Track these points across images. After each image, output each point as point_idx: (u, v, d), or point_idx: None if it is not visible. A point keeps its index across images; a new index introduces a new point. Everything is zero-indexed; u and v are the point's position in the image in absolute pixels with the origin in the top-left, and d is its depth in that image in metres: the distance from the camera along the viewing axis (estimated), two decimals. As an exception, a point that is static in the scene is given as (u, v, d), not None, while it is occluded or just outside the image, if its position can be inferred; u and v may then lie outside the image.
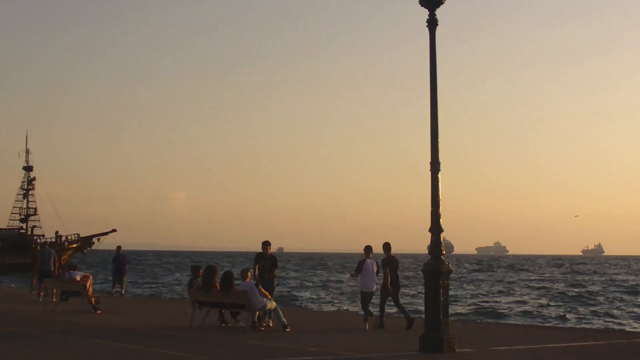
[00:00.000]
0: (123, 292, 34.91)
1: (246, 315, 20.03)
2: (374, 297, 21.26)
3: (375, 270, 20.93)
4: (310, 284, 65.62)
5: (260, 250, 21.45)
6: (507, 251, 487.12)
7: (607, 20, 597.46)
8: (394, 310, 23.21)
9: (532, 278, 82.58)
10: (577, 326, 28.73)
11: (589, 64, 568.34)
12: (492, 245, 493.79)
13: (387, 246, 21.06)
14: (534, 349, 16.82)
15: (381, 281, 20.98)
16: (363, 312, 21.34)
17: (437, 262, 15.59)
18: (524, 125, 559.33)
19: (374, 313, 21.26)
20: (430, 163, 15.96)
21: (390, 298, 21.09)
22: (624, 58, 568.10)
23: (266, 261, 21.28)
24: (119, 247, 36.38)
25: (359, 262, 21.03)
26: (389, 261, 20.83)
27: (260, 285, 20.00)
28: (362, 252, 21.13)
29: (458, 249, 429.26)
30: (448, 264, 15.76)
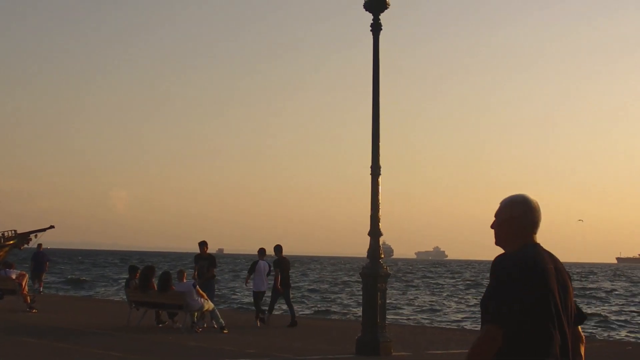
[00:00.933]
0: (41, 290, 34.43)
1: (183, 316, 19.92)
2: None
3: (267, 271, 21.97)
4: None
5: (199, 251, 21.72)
6: (446, 256, 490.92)
7: (553, 22, 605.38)
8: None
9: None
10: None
11: (531, 66, 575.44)
12: (432, 250, 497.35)
13: (278, 248, 22.09)
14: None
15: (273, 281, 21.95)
16: (255, 310, 22.37)
17: (375, 265, 15.64)
18: (465, 129, 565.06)
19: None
20: (371, 167, 16.01)
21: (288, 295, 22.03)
22: (557, 60, 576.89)
23: (205, 261, 21.34)
24: (39, 245, 36.35)
25: (251, 264, 22.08)
26: (280, 262, 21.91)
27: (198, 286, 19.92)
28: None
29: (398, 253, 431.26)
30: (386, 268, 15.83)
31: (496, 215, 4.61)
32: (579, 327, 4.57)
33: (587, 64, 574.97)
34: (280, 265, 21.86)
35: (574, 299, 4.51)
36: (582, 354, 4.57)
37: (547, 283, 4.23)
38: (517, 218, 4.51)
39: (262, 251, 22.27)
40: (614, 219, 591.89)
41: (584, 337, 4.63)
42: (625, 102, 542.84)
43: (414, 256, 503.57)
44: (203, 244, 21.72)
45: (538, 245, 4.47)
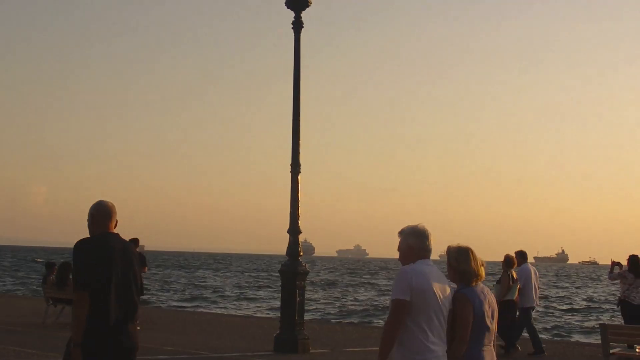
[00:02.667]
0: None
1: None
2: None
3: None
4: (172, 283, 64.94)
5: None
6: (367, 254, 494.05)
7: (475, 18, 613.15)
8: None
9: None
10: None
11: (451, 66, 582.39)
12: (352, 248, 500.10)
13: (135, 241, 21.82)
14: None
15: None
16: None
17: (294, 263, 15.71)
18: (386, 127, 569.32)
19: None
20: (291, 164, 16.08)
21: None
22: (479, 58, 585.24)
23: None
24: None
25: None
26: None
27: None
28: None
29: (319, 251, 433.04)
30: (305, 265, 15.92)
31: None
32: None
33: (505, 62, 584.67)
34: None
35: None
36: None
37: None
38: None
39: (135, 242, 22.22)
40: (532, 220, 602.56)
41: None
42: (529, 103, 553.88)
43: (335, 254, 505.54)
44: (133, 242, 21.13)
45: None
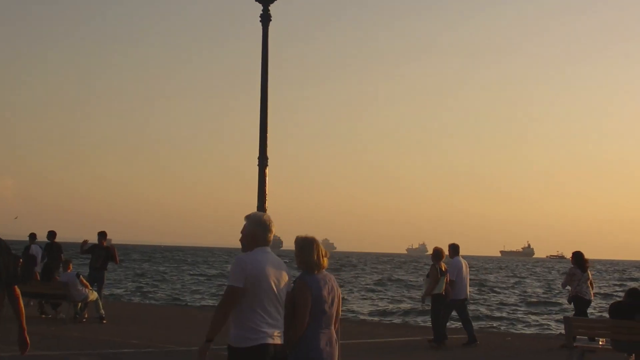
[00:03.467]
0: None
1: (67, 307, 19.65)
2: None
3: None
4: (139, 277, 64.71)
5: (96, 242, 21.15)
6: (335, 248, 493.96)
7: (446, 13, 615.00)
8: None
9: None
10: (407, 322, 29.32)
11: (423, 58, 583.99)
12: (321, 241, 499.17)
13: (50, 234, 22.19)
14: (353, 344, 17.18)
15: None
16: None
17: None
18: (354, 122, 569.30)
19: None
20: (259, 158, 16.15)
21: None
22: (450, 51, 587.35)
23: (102, 251, 20.84)
24: None
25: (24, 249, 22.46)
26: (51, 247, 21.95)
27: (81, 276, 19.66)
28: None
29: (287, 245, 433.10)
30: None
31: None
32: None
33: (465, 58, 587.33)
34: (50, 251, 21.82)
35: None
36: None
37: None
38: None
39: (32, 236, 22.63)
40: (498, 215, 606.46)
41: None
42: (504, 103, 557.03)
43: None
44: (102, 235, 20.89)
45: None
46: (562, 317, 18.71)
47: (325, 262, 6.96)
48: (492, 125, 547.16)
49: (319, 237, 7.43)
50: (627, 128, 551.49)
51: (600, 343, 13.06)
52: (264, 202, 19.56)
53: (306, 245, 7.00)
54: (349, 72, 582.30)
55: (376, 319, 30.99)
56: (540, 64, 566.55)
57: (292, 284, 6.74)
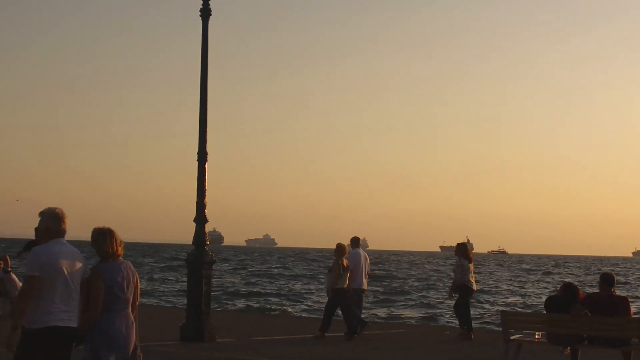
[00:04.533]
0: None
1: (2, 303, 19.37)
2: None
3: None
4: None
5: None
6: (276, 244, 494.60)
7: (389, 10, 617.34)
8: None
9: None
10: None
11: (363, 55, 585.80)
12: (262, 237, 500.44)
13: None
14: (294, 339, 17.24)
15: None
16: None
17: (200, 252, 15.68)
18: (294, 118, 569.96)
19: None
20: (198, 153, 16.03)
21: None
22: (389, 48, 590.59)
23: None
24: None
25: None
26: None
27: (12, 273, 19.50)
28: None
29: (228, 240, 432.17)
30: (212, 255, 15.90)
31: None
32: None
33: (402, 56, 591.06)
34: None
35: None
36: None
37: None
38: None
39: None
40: (438, 211, 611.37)
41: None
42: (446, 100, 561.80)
43: (244, 243, 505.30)
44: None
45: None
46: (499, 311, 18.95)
47: (120, 250, 7.62)
48: (425, 122, 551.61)
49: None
50: (562, 124, 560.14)
51: (536, 337, 13.26)
52: (203, 198, 19.25)
53: (100, 236, 7.58)
54: (292, 67, 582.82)
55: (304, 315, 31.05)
56: (463, 60, 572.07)
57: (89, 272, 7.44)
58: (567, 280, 24.42)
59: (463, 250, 18.43)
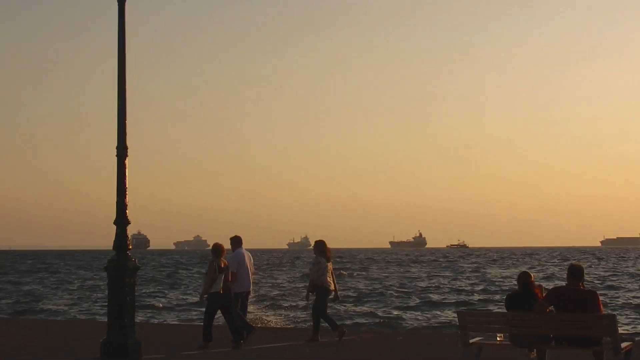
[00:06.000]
0: None
1: None
2: None
3: None
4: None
5: None
6: (208, 245, 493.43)
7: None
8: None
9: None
10: (288, 326, 29.36)
11: (263, 45, 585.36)
12: (192, 239, 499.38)
13: None
14: (228, 352, 17.09)
15: None
16: None
17: (122, 257, 15.47)
18: (219, 115, 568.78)
19: None
20: (117, 147, 15.78)
21: None
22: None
23: None
24: None
25: None
26: None
27: None
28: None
29: (155, 244, 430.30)
30: (135, 260, 15.68)
31: None
32: None
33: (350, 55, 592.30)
34: None
35: None
36: None
37: None
38: None
39: None
40: (388, 205, 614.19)
41: None
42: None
43: (173, 246, 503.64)
44: None
45: None
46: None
47: None
48: (383, 112, 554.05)
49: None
50: (527, 111, 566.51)
51: (498, 339, 13.23)
52: (124, 197, 18.66)
53: None
54: (214, 52, 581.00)
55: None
56: (429, 44, 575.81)
57: None
58: (524, 269, 24.61)
59: (321, 248, 18.67)
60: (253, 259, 19.28)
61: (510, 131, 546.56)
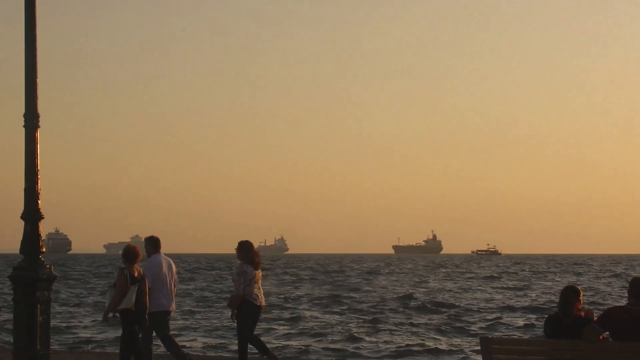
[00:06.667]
0: None
1: None
2: None
3: None
4: None
5: None
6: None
7: None
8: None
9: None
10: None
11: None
12: (129, 240, 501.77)
13: None
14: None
15: None
16: None
17: (32, 264, 15.34)
18: (164, 93, 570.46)
19: None
20: (25, 115, 15.57)
21: None
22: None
23: None
24: None
25: None
26: None
27: None
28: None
29: (78, 247, 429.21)
30: (50, 268, 15.58)
31: None
32: None
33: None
34: None
35: None
36: None
37: None
38: None
39: None
40: (392, 200, 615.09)
41: None
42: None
43: (103, 250, 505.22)
44: None
45: None
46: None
47: None
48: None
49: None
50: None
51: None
52: (35, 183, 18.06)
53: None
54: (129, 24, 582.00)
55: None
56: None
57: None
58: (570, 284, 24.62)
59: (246, 252, 18.64)
60: (176, 266, 19.02)
61: (553, 120, 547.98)
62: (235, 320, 18.84)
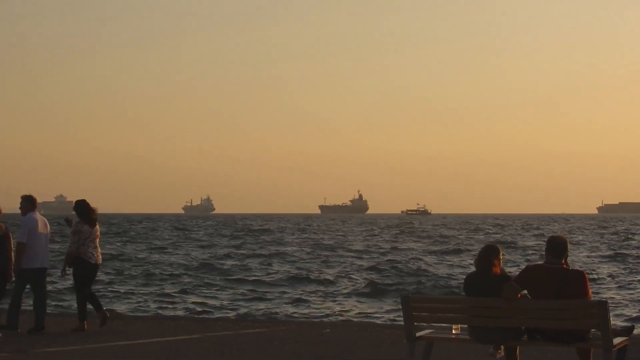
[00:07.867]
0: None
1: None
2: None
3: None
4: None
5: None
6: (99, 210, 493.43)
7: None
8: None
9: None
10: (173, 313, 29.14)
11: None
12: (53, 200, 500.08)
13: None
14: (96, 348, 17.07)
15: None
16: None
17: None
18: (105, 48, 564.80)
19: None
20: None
21: None
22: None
23: None
24: None
25: None
26: None
27: None
28: None
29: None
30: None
31: None
32: None
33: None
34: None
35: None
36: None
37: None
38: None
39: None
40: (319, 160, 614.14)
41: None
42: None
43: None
44: None
45: None
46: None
47: None
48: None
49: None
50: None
51: (453, 332, 13.13)
52: None
53: None
54: None
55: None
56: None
57: None
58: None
59: (83, 210, 18.80)
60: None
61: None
62: (64, 275, 19.51)
